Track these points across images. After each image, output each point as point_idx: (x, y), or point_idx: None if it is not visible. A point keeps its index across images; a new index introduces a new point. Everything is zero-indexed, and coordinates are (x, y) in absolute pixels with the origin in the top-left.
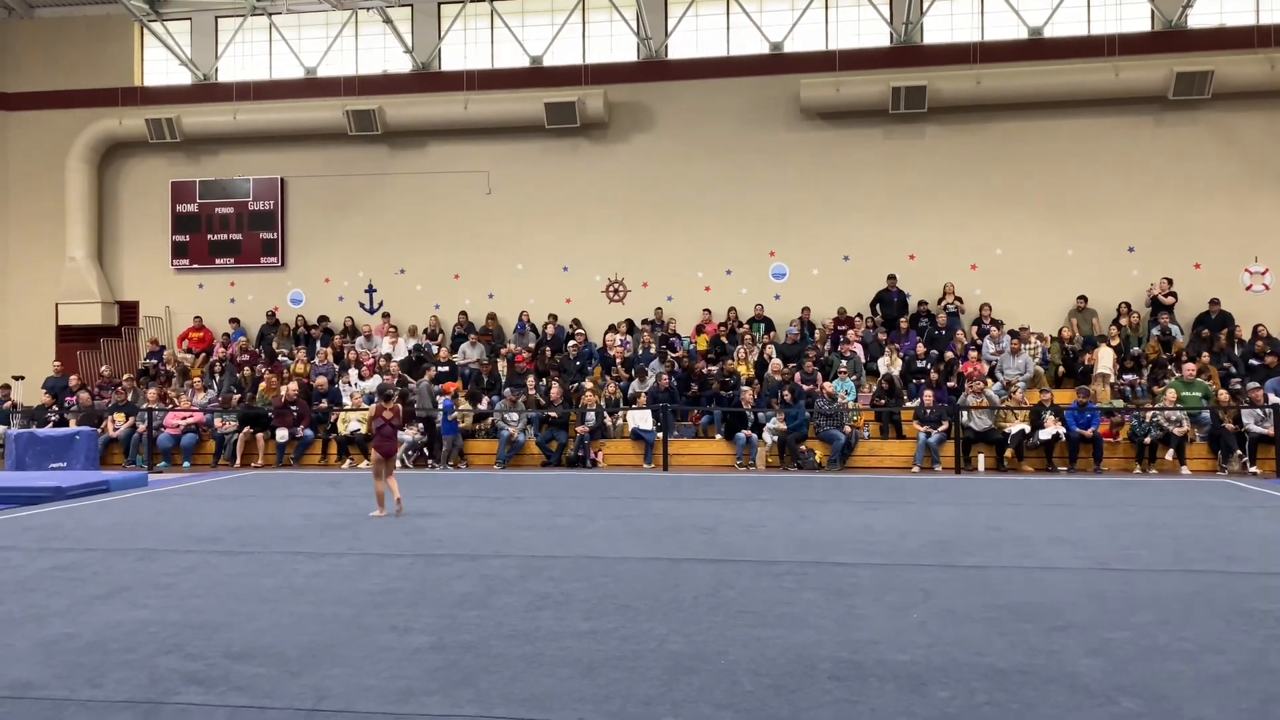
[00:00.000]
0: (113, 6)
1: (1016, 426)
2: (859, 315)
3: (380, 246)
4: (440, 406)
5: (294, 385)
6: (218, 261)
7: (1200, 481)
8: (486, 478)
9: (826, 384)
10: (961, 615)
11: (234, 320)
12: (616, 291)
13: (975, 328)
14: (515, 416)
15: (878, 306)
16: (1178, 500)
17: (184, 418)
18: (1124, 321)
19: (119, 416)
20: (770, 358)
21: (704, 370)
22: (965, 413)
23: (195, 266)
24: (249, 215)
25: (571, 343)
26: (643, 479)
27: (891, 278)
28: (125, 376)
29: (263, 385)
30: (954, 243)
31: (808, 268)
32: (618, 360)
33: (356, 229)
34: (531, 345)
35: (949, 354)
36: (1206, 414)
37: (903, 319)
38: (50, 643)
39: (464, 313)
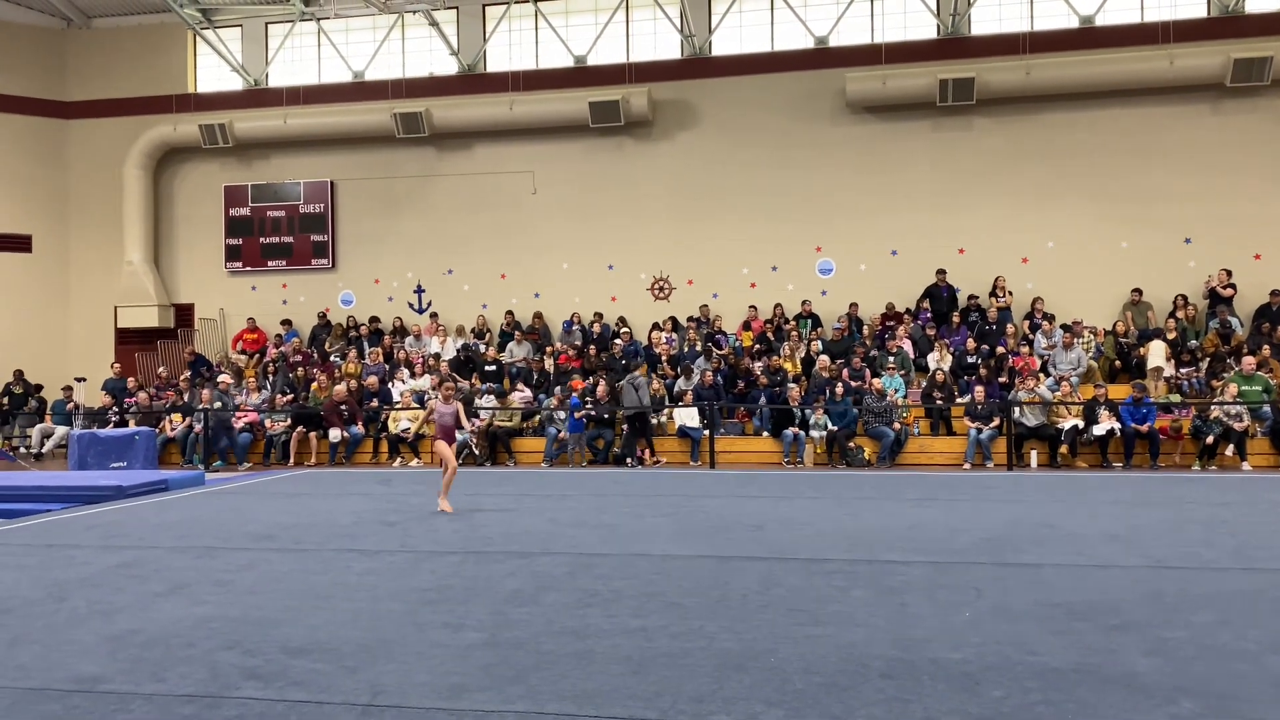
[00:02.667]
0: (167, 15)
1: (1070, 422)
2: (907, 310)
3: (428, 247)
4: (568, 404)
5: (344, 386)
6: (270, 264)
7: (1262, 478)
8: (535, 475)
9: (875, 380)
10: (1015, 613)
11: (286, 321)
12: (662, 289)
13: (1027, 322)
14: (562, 415)
15: (927, 301)
16: (1238, 497)
17: (239, 418)
18: (1180, 314)
19: (176, 417)
20: (817, 354)
21: (750, 367)
22: (1017, 408)
23: (248, 269)
24: (300, 218)
25: (618, 341)
26: (690, 477)
27: (941, 272)
28: (182, 377)
29: (315, 385)
30: (1004, 236)
31: (855, 263)
32: (663, 358)
33: (405, 230)
34: (578, 343)
35: (1000, 349)
36: (1268, 408)
37: (953, 314)
38: (116, 638)
39: (510, 312)
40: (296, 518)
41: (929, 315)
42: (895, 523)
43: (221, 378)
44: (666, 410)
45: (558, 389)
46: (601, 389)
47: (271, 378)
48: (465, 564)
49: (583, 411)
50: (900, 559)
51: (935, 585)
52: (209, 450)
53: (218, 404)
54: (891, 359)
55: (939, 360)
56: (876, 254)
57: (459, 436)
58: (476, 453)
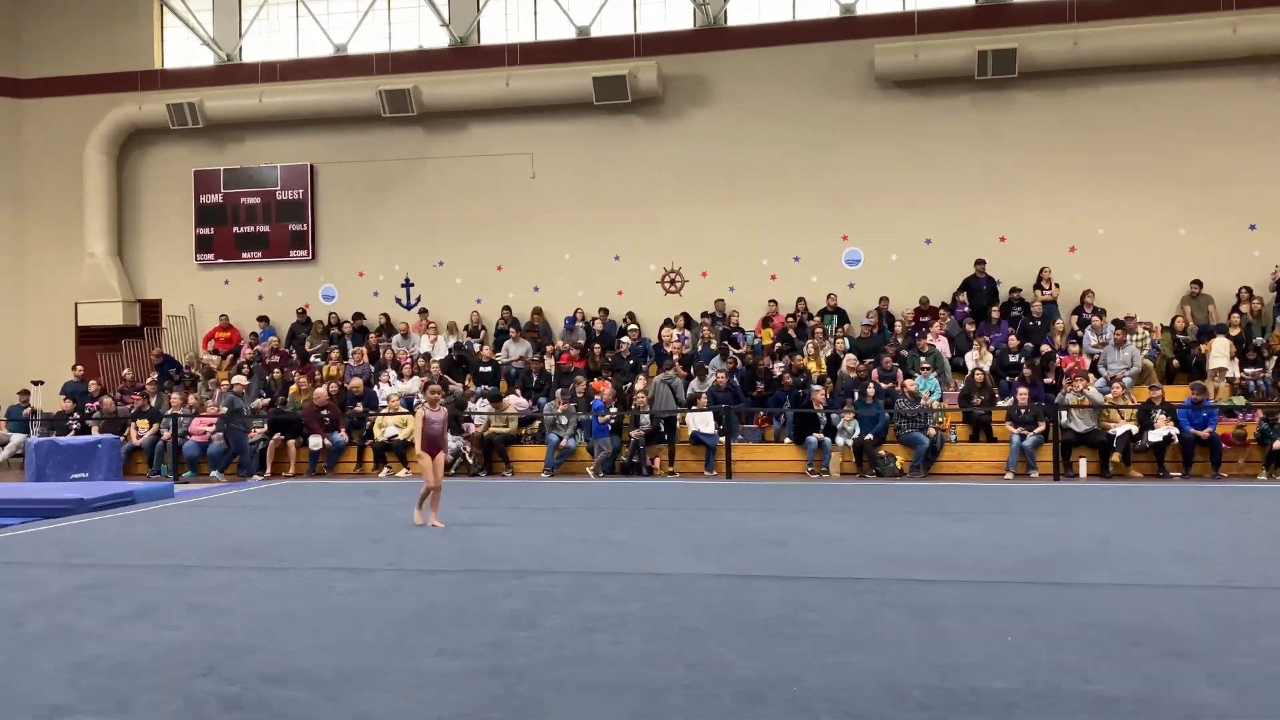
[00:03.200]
0: None
1: (1122, 427)
2: (943, 305)
3: (417, 237)
4: (592, 408)
5: (326, 389)
6: (244, 256)
7: None
8: (535, 487)
9: (908, 382)
10: (1063, 638)
11: (262, 319)
12: (673, 282)
13: (1075, 317)
14: (565, 421)
15: (965, 295)
16: None
17: (211, 424)
18: (1245, 308)
19: (142, 424)
20: (844, 353)
21: (770, 368)
22: (1064, 412)
23: (220, 261)
24: (277, 205)
25: (625, 339)
26: (705, 489)
27: (980, 263)
28: (149, 380)
29: (294, 388)
30: (1050, 222)
31: (885, 253)
32: (675, 357)
33: (391, 218)
34: (581, 342)
35: (1045, 347)
36: None
37: (993, 308)
38: (79, 665)
39: (508, 308)
40: (274, 533)
41: (967, 310)
42: (931, 539)
43: (237, 379)
44: (679, 415)
45: (559, 392)
46: (607, 392)
47: (247, 380)
48: (459, 584)
49: (607, 416)
50: (937, 578)
51: (976, 607)
52: (177, 459)
53: (228, 408)
54: (925, 358)
55: (978, 359)
56: (909, 243)
57: (452, 444)
58: (470, 461)
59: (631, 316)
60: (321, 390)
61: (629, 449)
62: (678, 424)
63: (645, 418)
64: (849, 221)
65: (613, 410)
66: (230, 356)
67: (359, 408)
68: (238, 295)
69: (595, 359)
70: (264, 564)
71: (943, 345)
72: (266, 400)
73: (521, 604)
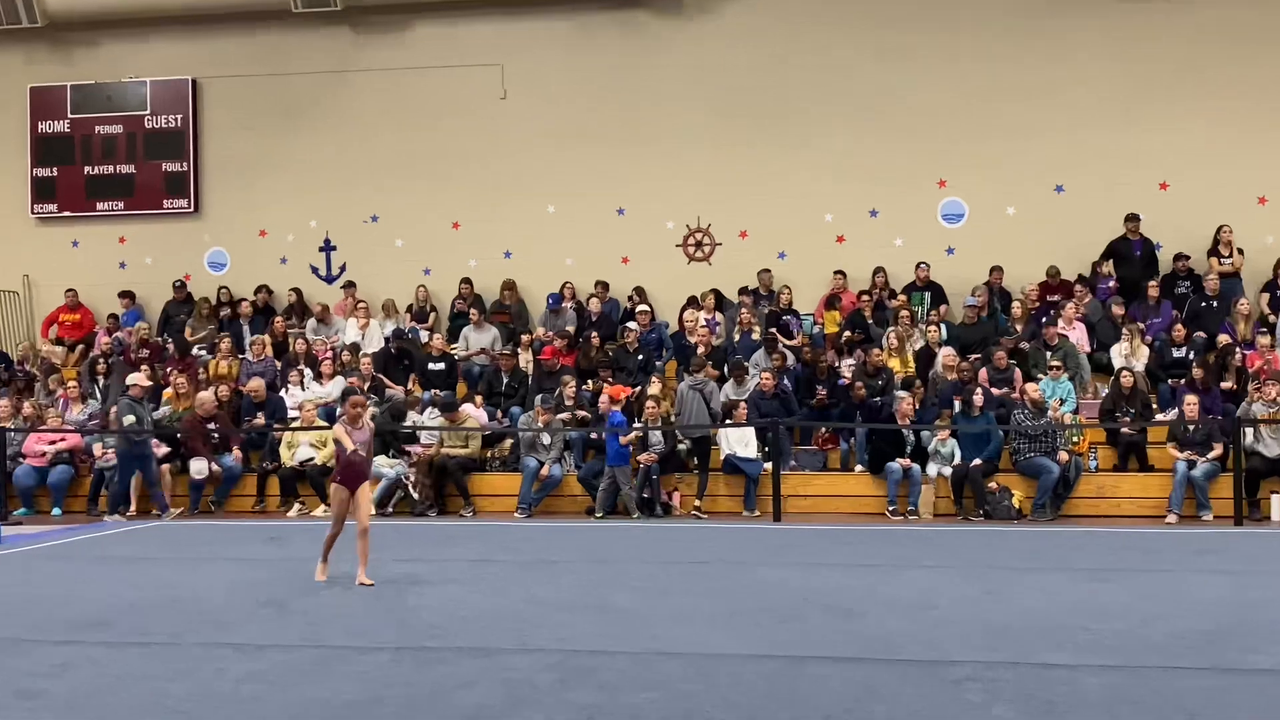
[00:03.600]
0: None
1: None
2: (1080, 279)
3: (341, 182)
4: (608, 422)
5: (214, 394)
6: (100, 207)
7: None
8: (504, 531)
9: (1029, 386)
10: None
11: (125, 295)
12: (699, 246)
13: (1266, 296)
14: (547, 439)
15: (1110, 264)
16: None
17: (52, 442)
18: None
19: None
20: (940, 345)
21: (836, 366)
22: (1250, 430)
23: (67, 214)
24: (145, 138)
25: (631, 324)
26: (743, 534)
27: (1132, 219)
28: None
29: (168, 393)
30: (1229, 163)
31: (998, 204)
32: (701, 351)
33: (306, 156)
34: (571, 329)
35: (1224, 337)
36: None
37: (1150, 283)
38: None
39: (468, 280)
40: (141, 594)
41: (1113, 285)
42: (1059, 606)
43: (135, 377)
44: (709, 432)
45: (539, 398)
46: (606, 399)
47: (102, 381)
48: (399, 667)
49: (630, 436)
50: (1066, 661)
51: (1121, 701)
52: (6, 491)
53: (127, 418)
54: (1055, 353)
55: (1128, 355)
56: (1032, 192)
57: (388, 470)
58: (415, 495)
59: (641, 294)
60: (208, 396)
61: (637, 479)
62: (684, 443)
63: (657, 436)
64: (947, 162)
65: (637, 426)
66: (80, 348)
67: (259, 420)
68: (91, 262)
69: (591, 353)
70: (122, 638)
71: (1079, 335)
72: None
73: (487, 696)
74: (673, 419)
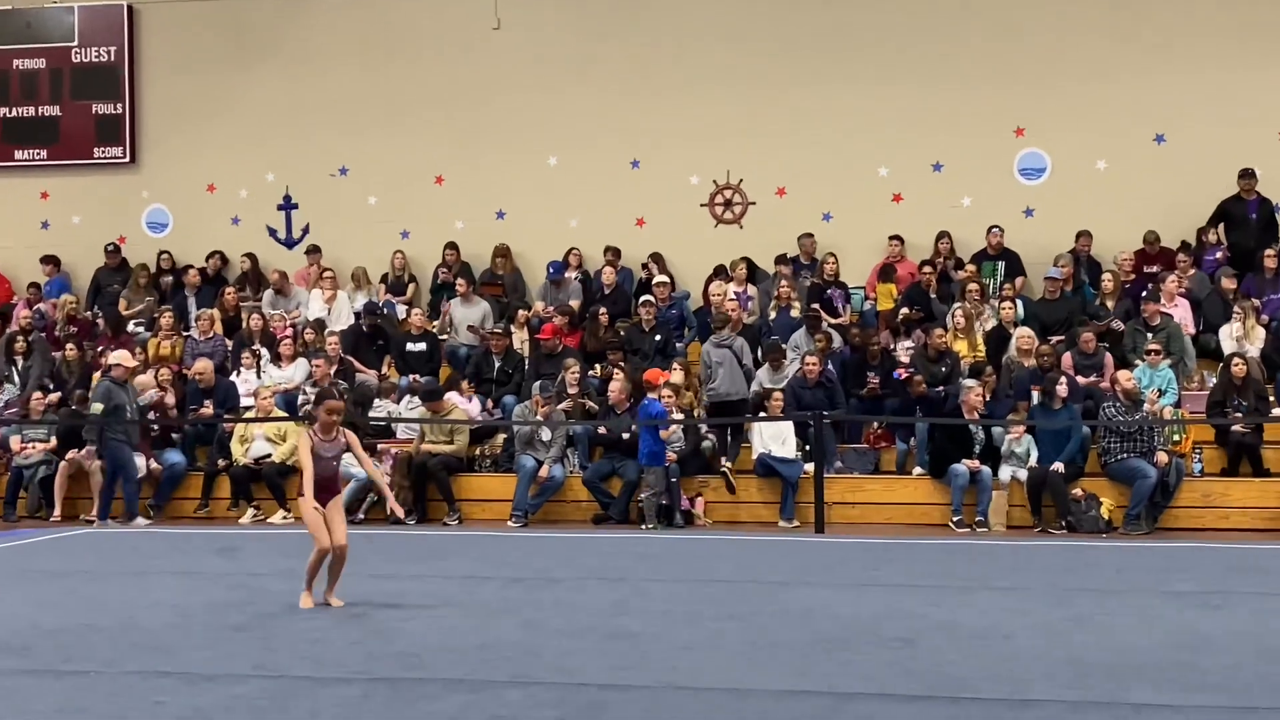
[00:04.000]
0: None
1: None
2: (1184, 246)
3: (304, 127)
4: (642, 412)
5: (154, 378)
6: (18, 156)
7: None
8: (496, 542)
9: (1122, 374)
10: None
11: (49, 260)
12: (729, 205)
13: None
14: (547, 434)
15: (1220, 229)
16: None
17: None
18: None
19: None
20: (1015, 325)
21: (891, 349)
22: None
23: None
24: (72, 73)
25: (647, 299)
26: (779, 548)
27: (1246, 175)
28: None
29: (98, 377)
30: None
31: (1086, 158)
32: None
33: (261, 97)
34: (575, 304)
35: None
36: None
37: (1267, 251)
38: None
39: (453, 246)
40: (68, 614)
41: (1223, 254)
42: (1157, 636)
43: (117, 356)
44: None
45: (537, 386)
46: (617, 386)
47: (21, 362)
48: (369, 701)
49: (672, 431)
50: (1166, 701)
51: None
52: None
53: (101, 405)
54: (1155, 335)
55: (1240, 337)
56: (1127, 142)
57: (358, 473)
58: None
59: (658, 262)
60: (147, 379)
61: (654, 483)
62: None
63: (677, 433)
64: (1025, 107)
65: (677, 417)
66: None
67: (207, 409)
68: (7, 221)
69: (598, 332)
70: (45, 665)
71: (1182, 313)
72: (55, 395)
73: None
74: (698, 402)
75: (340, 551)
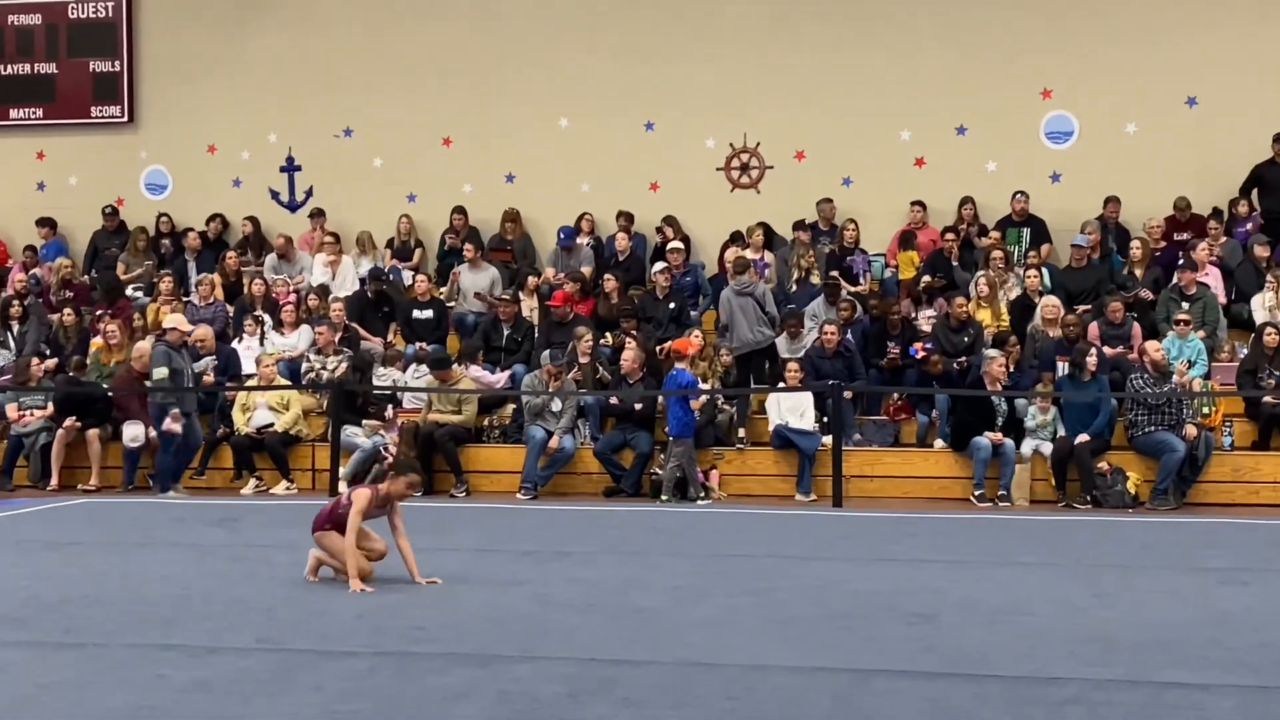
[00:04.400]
0: None
1: None
2: (1215, 213)
3: (307, 87)
4: (669, 381)
5: (150, 344)
6: (13, 115)
7: None
8: (505, 515)
9: (1150, 345)
10: None
11: (44, 223)
12: (745, 169)
13: None
14: (557, 405)
15: (1253, 197)
16: None
17: None
18: None
19: None
20: (1040, 295)
21: (913, 318)
22: None
23: None
24: (69, 30)
25: (661, 266)
26: (796, 522)
27: None
28: None
29: (97, 342)
30: None
31: (1114, 120)
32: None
33: (264, 55)
34: (587, 270)
35: None
36: None
37: None
38: None
39: (461, 210)
40: (67, 586)
41: (1254, 221)
42: (1184, 613)
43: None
44: (753, 397)
45: (547, 354)
46: (630, 355)
47: (17, 327)
48: (377, 675)
49: (703, 400)
50: (1193, 680)
51: None
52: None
53: (163, 371)
54: (1186, 305)
55: (1274, 307)
56: (1157, 104)
57: (364, 440)
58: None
59: (673, 225)
60: (145, 346)
61: (668, 455)
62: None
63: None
64: (1051, 67)
65: (706, 386)
66: None
67: (209, 377)
68: (3, 182)
69: (610, 300)
70: (46, 637)
71: (1214, 281)
72: (52, 361)
73: (482, 711)
74: (712, 372)
75: (380, 555)
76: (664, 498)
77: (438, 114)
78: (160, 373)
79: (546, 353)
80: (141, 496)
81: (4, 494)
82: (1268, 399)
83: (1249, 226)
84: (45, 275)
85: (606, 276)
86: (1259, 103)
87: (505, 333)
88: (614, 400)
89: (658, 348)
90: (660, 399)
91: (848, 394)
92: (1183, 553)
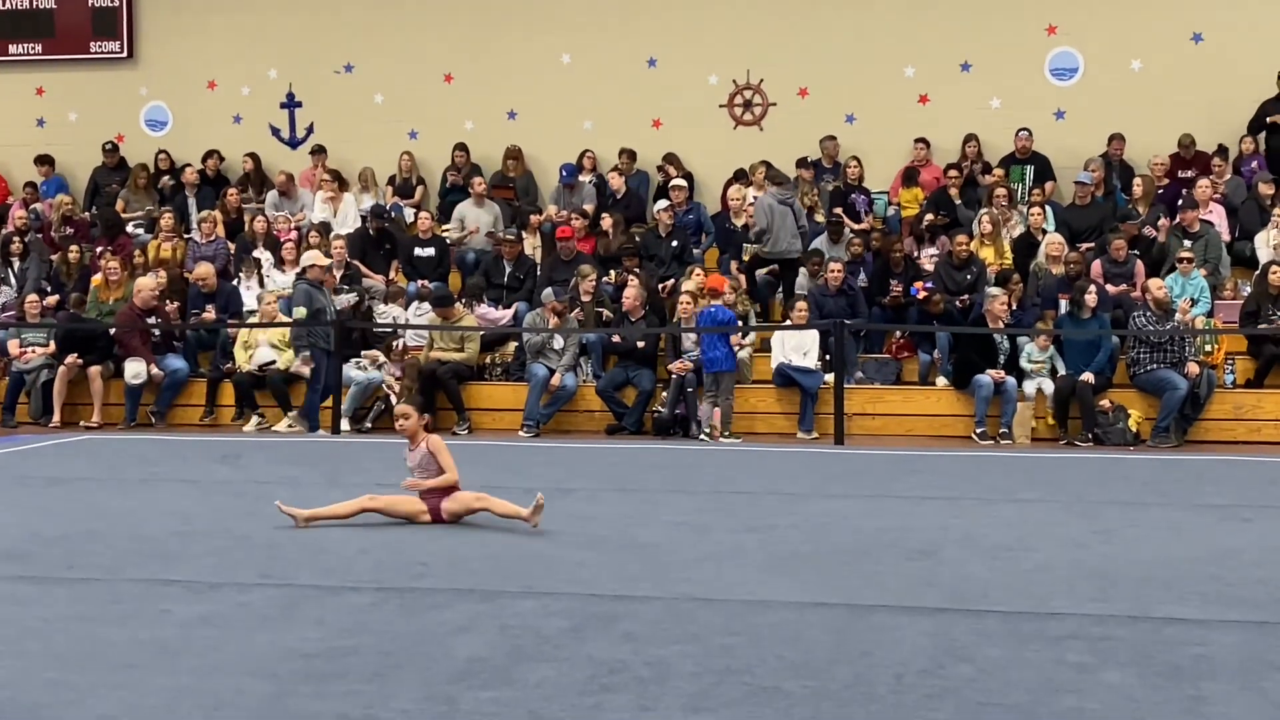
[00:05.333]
0: None
1: None
2: (1220, 150)
3: (308, 22)
4: (703, 318)
5: (153, 280)
6: (12, 50)
7: None
8: (507, 452)
9: (1153, 283)
10: None
11: (44, 160)
12: (748, 106)
13: None
14: (559, 343)
15: (1261, 136)
16: None
17: None
18: None
19: None
20: (1043, 232)
21: (915, 256)
22: None
23: None
24: None
25: (663, 204)
26: (798, 459)
27: None
28: None
29: (97, 279)
30: None
31: (1119, 57)
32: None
33: None
34: (589, 207)
35: None
36: None
37: None
38: None
39: (463, 147)
40: (69, 522)
41: (1260, 161)
42: (1185, 549)
43: (312, 256)
44: (753, 338)
45: (548, 291)
46: (632, 293)
47: (18, 264)
48: (380, 610)
49: (744, 339)
50: (1194, 616)
51: (1260, 663)
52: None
53: (304, 309)
54: (1188, 243)
55: (1278, 245)
56: (1162, 41)
57: (358, 375)
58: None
59: (674, 163)
60: (148, 282)
61: (669, 393)
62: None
63: (691, 341)
64: (1056, 3)
65: (744, 324)
66: None
67: (209, 314)
68: (2, 119)
69: (612, 237)
70: (47, 573)
71: (1218, 219)
72: (53, 298)
73: (485, 645)
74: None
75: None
76: (704, 434)
77: (439, 50)
78: (300, 311)
79: (548, 290)
80: (143, 433)
81: (6, 431)
82: (1271, 337)
83: (1257, 166)
84: (46, 212)
85: (605, 215)
86: (1265, 39)
87: (507, 271)
88: (616, 339)
89: (660, 285)
90: (663, 337)
91: (862, 331)
92: (1184, 490)
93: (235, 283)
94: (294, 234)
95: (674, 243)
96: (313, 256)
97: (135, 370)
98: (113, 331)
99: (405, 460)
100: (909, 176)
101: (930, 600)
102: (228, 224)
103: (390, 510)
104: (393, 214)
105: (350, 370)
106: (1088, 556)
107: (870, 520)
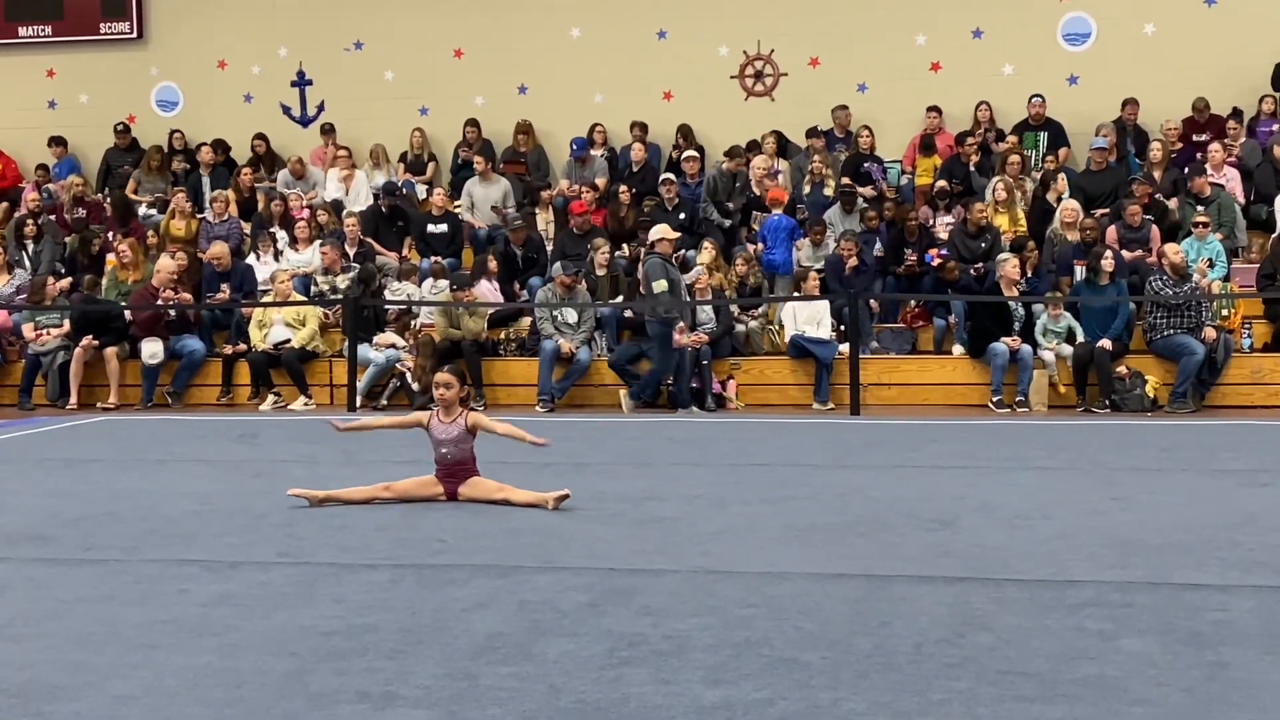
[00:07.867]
0: None
1: None
2: (1235, 114)
3: (316, 1)
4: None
5: (170, 261)
6: (22, 32)
7: None
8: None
9: (1169, 248)
10: None
11: (56, 141)
12: (759, 77)
13: None
14: (572, 316)
15: (1277, 96)
16: None
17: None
18: None
19: None
20: (1060, 199)
21: (929, 224)
22: None
23: None
24: None
25: (668, 176)
26: (814, 431)
27: None
28: None
29: (111, 260)
30: None
31: (1134, 21)
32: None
33: None
34: (600, 182)
35: None
36: None
37: None
38: None
39: (473, 122)
40: (87, 502)
41: (1277, 128)
42: (1204, 515)
43: (659, 230)
44: (766, 308)
45: (559, 265)
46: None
47: (32, 246)
48: (396, 587)
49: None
50: (1213, 581)
51: None
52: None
53: (665, 284)
54: (1204, 207)
55: None
56: (1176, 3)
57: (375, 355)
58: (415, 385)
59: (687, 136)
60: (167, 262)
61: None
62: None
63: (707, 313)
64: None
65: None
66: (4, 205)
67: (224, 293)
68: (13, 100)
69: (623, 212)
70: (66, 554)
71: (1233, 183)
72: (67, 280)
73: (503, 621)
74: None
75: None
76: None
77: (449, 25)
78: (660, 285)
79: (560, 264)
80: (160, 414)
81: (23, 413)
82: None
83: (1273, 128)
84: (58, 193)
85: (616, 188)
86: (1277, 1)
87: (521, 247)
88: (629, 314)
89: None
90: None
91: (874, 303)
92: (1202, 455)
93: (249, 261)
94: (306, 213)
95: (682, 215)
96: (660, 230)
97: (151, 351)
98: (127, 312)
99: (432, 434)
100: (922, 145)
101: (949, 569)
102: (240, 203)
103: (405, 498)
104: (405, 191)
105: (367, 350)
106: (1106, 523)
107: (888, 490)
